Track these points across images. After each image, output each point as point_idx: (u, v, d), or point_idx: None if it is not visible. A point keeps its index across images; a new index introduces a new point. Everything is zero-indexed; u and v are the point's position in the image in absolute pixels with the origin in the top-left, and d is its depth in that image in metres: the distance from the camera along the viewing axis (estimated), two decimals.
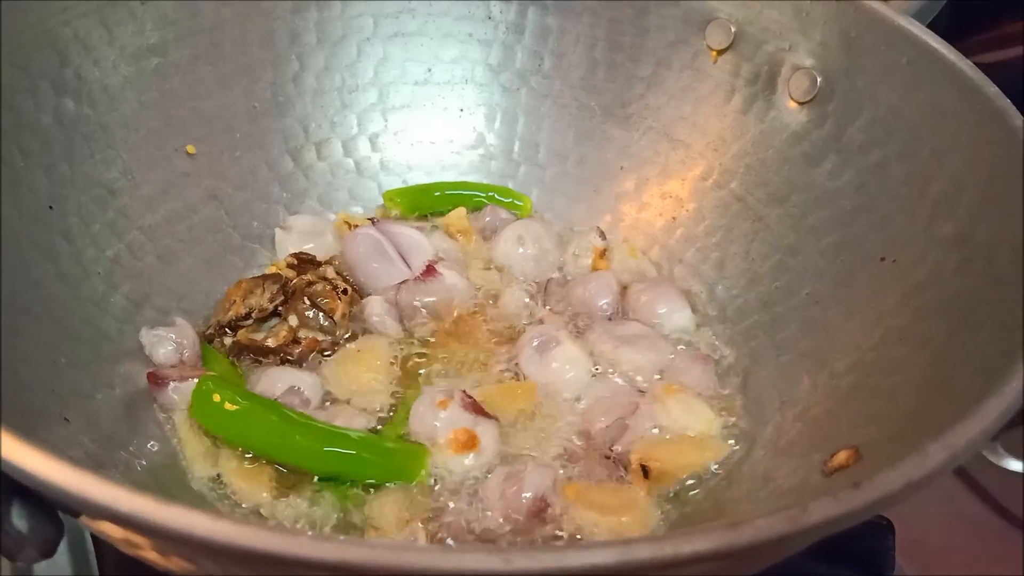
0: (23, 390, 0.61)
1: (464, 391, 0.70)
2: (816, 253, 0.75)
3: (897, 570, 0.74)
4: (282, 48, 0.89)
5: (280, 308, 0.77)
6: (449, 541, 0.63)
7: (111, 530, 0.43)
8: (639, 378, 0.75)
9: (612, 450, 0.68)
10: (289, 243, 0.85)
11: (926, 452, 0.41)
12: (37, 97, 0.72)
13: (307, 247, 0.84)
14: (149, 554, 0.46)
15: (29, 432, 0.55)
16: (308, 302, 0.77)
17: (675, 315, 0.80)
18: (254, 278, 0.79)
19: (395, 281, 0.80)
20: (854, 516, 0.38)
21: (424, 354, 0.77)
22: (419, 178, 0.94)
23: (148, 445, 0.68)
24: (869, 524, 0.73)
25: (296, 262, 0.80)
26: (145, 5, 0.79)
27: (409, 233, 0.83)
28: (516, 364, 0.75)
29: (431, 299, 0.79)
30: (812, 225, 0.77)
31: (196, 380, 0.68)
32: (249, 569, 0.41)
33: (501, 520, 0.63)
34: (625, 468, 0.67)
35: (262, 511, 0.65)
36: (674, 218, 0.87)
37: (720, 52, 0.85)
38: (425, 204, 0.91)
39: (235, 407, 0.66)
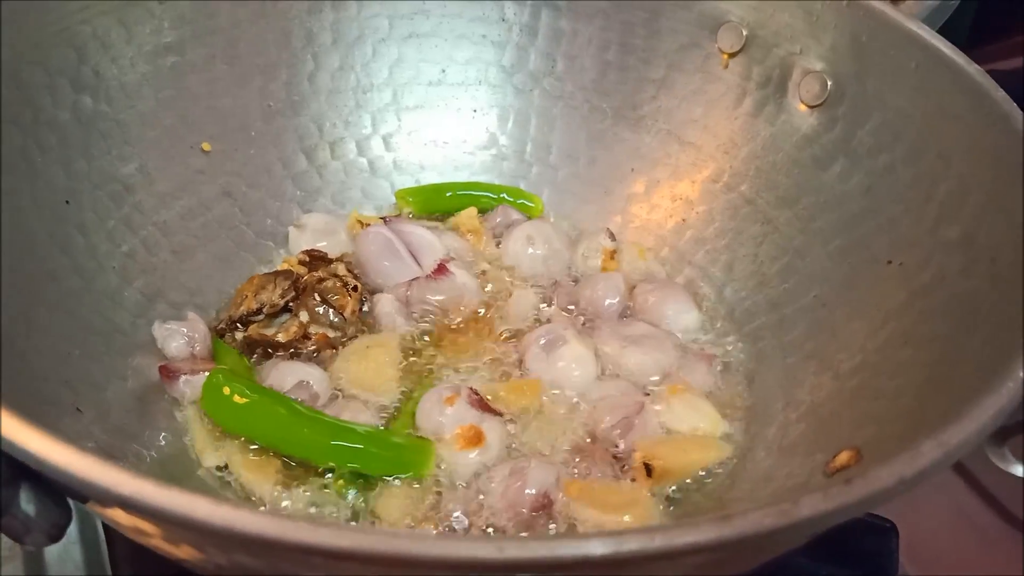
0: (37, 380, 0.62)
1: (471, 388, 0.71)
2: (824, 256, 0.76)
3: (900, 572, 0.75)
4: (298, 48, 0.90)
5: (291, 304, 0.78)
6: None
7: (119, 516, 0.44)
8: (645, 378, 0.75)
9: (616, 448, 0.69)
10: (303, 241, 0.86)
11: (919, 450, 0.41)
12: (55, 94, 0.73)
13: (320, 245, 0.85)
14: (159, 543, 0.46)
15: (41, 421, 0.57)
16: (319, 298, 0.78)
17: (682, 316, 0.80)
18: (266, 274, 0.80)
19: (405, 279, 0.81)
20: (845, 512, 0.39)
21: (432, 351, 0.78)
22: (432, 178, 0.95)
23: (158, 437, 0.69)
24: (872, 526, 0.74)
25: (308, 259, 0.81)
26: (163, 4, 0.80)
27: (420, 232, 0.84)
28: (523, 362, 0.75)
29: (441, 297, 0.80)
30: (820, 228, 0.77)
31: (207, 373, 0.69)
32: (251, 555, 0.42)
33: (504, 516, 0.64)
34: (628, 466, 0.68)
35: (267, 503, 0.65)
36: (684, 220, 0.87)
37: (731, 55, 0.85)
38: (437, 204, 0.92)
39: (244, 400, 0.67)
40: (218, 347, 0.76)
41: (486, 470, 0.67)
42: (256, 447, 0.68)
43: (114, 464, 0.39)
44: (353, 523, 0.64)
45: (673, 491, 0.67)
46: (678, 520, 0.65)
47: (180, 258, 0.81)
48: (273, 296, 0.77)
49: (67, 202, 0.73)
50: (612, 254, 0.86)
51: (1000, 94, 0.65)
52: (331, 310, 0.77)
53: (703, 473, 0.68)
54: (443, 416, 0.69)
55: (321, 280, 0.78)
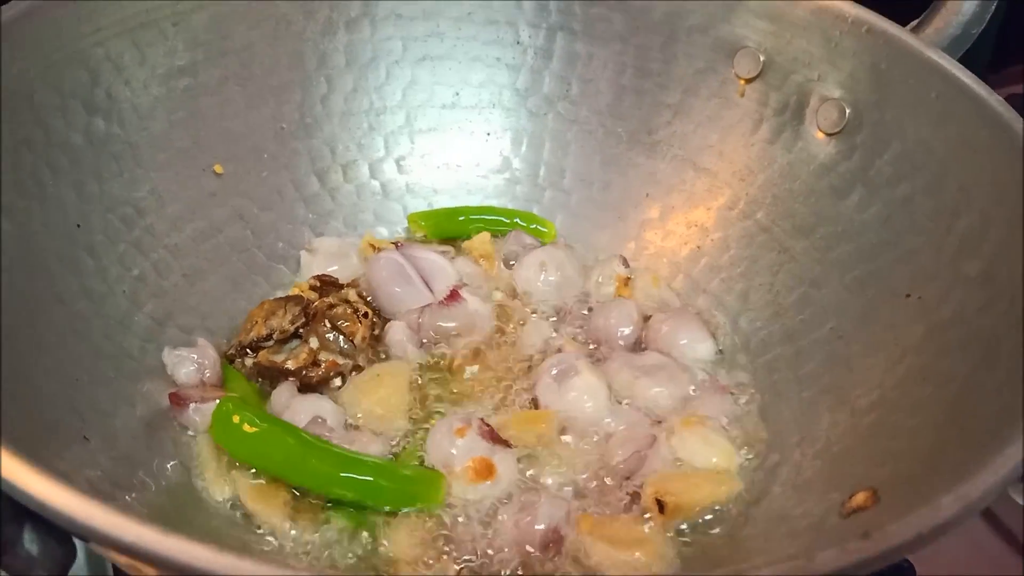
0: (44, 405, 0.62)
1: (482, 419, 0.70)
2: (841, 287, 0.75)
3: None
4: (311, 70, 0.89)
5: (301, 330, 0.77)
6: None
7: (121, 559, 0.44)
8: (658, 410, 0.74)
9: (628, 483, 0.68)
10: (315, 265, 0.85)
11: (939, 504, 0.40)
12: (68, 116, 0.73)
13: (332, 269, 0.85)
14: None
15: (47, 449, 0.57)
16: (329, 325, 0.77)
17: (696, 346, 0.79)
18: (276, 299, 0.79)
19: (417, 305, 0.80)
20: (862, 567, 0.38)
21: (443, 380, 0.77)
22: (445, 201, 0.94)
23: (166, 465, 0.68)
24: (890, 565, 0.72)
25: (318, 284, 0.81)
26: (177, 27, 0.80)
27: (432, 258, 0.83)
28: (534, 392, 0.75)
29: (453, 324, 0.79)
30: (838, 258, 0.76)
31: (216, 401, 0.69)
32: None
33: (514, 551, 0.63)
34: (640, 501, 0.67)
35: (275, 535, 0.65)
36: (699, 247, 0.86)
37: (748, 81, 0.84)
38: (450, 228, 0.91)
39: (254, 429, 0.66)
40: (228, 373, 0.76)
41: (497, 503, 0.66)
42: (264, 478, 0.67)
43: (116, 509, 0.39)
44: (363, 563, 0.63)
45: (685, 527, 0.66)
46: (692, 560, 0.63)
47: (191, 281, 0.80)
48: (283, 322, 0.77)
49: (78, 225, 0.73)
50: (626, 281, 0.85)
51: (1022, 126, 0.64)
52: (341, 337, 0.77)
53: (717, 508, 0.67)
54: (454, 448, 0.68)
55: (332, 306, 0.78)
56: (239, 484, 0.67)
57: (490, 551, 0.64)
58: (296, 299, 0.78)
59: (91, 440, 0.63)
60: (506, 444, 0.69)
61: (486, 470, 0.67)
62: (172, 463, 0.69)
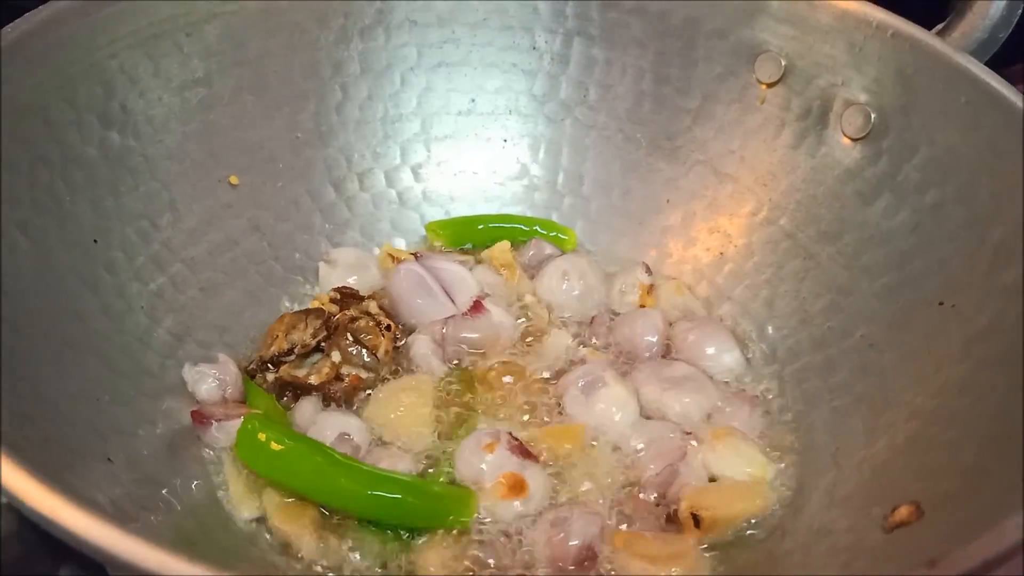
0: (66, 427, 0.61)
1: (510, 433, 0.69)
2: (870, 294, 0.74)
3: None
4: (326, 78, 0.88)
5: (323, 344, 0.76)
6: None
7: None
8: (687, 421, 0.73)
9: (662, 496, 0.67)
10: (333, 276, 0.84)
11: (1003, 528, 0.39)
12: (83, 130, 0.72)
13: (351, 280, 0.84)
14: None
15: (71, 473, 0.56)
16: (351, 338, 0.76)
17: (724, 355, 0.78)
18: (296, 313, 0.78)
19: (440, 317, 0.79)
20: None
21: (468, 394, 0.75)
22: (462, 209, 0.93)
23: (190, 484, 0.67)
24: None
25: (339, 296, 0.80)
26: (190, 37, 0.79)
27: (453, 268, 0.82)
28: (561, 405, 0.74)
29: (477, 336, 0.78)
30: (866, 265, 0.75)
31: (240, 418, 0.67)
32: None
33: (548, 569, 0.62)
34: (675, 516, 0.66)
35: (303, 554, 0.64)
36: (722, 254, 0.85)
37: (770, 85, 0.83)
38: (468, 237, 0.90)
39: (280, 447, 0.65)
40: (250, 389, 0.74)
41: (529, 520, 0.65)
42: (292, 496, 0.66)
43: (138, 533, 0.38)
44: None
45: (722, 542, 0.65)
46: None
47: (208, 295, 0.79)
48: (304, 336, 0.75)
49: (95, 240, 0.72)
50: (649, 289, 0.84)
51: None
52: (364, 350, 0.76)
53: (753, 521, 0.66)
54: (483, 463, 0.67)
55: (353, 319, 0.76)
56: (266, 503, 0.66)
57: (523, 569, 0.62)
58: (317, 312, 0.77)
59: (114, 461, 0.62)
60: (536, 459, 0.68)
61: (518, 486, 0.65)
62: (196, 482, 0.68)
